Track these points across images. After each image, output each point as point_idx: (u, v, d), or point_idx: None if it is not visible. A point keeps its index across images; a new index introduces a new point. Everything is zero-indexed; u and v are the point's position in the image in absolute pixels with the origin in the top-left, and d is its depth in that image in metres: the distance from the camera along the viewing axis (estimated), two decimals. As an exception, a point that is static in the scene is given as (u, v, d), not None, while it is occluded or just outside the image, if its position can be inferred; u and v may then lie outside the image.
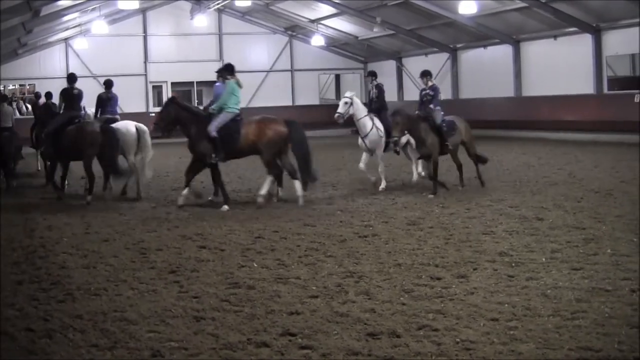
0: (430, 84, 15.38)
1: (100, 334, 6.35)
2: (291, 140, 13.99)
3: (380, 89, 16.96)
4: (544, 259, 8.47)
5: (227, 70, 14.69)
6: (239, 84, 14.27)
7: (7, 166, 17.99)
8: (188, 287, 7.81)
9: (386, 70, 41.53)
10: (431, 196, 13.86)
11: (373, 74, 17.37)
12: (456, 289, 7.35)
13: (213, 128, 13.63)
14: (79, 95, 15.93)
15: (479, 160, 15.27)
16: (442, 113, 14.80)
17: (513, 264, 8.31)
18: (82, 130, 14.98)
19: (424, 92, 15.38)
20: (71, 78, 16.31)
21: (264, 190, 13.92)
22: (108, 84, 17.47)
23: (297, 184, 13.89)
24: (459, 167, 15.16)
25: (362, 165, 15.61)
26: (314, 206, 13.42)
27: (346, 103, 15.88)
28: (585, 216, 11.19)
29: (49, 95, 19.25)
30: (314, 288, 7.61)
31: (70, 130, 15.07)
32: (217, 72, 15.41)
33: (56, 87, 23.10)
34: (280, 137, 13.80)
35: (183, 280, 8.16)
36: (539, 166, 18.61)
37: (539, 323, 6.21)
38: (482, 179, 15.04)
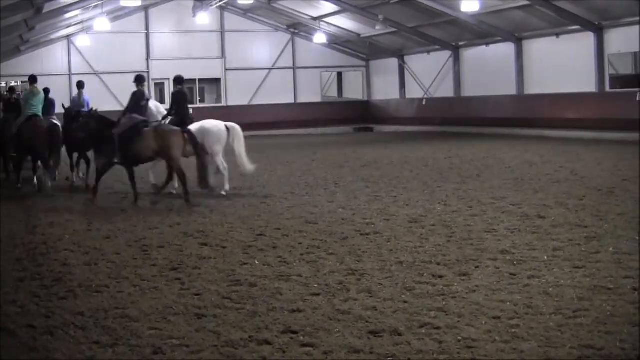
0: None
1: (101, 331, 6.35)
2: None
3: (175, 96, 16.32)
4: (545, 257, 8.46)
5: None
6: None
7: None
8: (190, 285, 7.81)
9: (388, 68, 41.59)
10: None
11: (177, 80, 16.55)
12: (458, 287, 7.34)
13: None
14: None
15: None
16: None
17: (515, 262, 8.29)
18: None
19: None
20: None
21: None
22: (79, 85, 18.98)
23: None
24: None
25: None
26: (316, 204, 13.41)
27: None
28: (587, 214, 11.17)
29: (46, 90, 19.01)
30: (315, 286, 7.60)
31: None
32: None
33: (58, 84, 23.28)
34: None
35: (185, 277, 8.16)
36: (541, 164, 18.59)
37: (540, 321, 6.20)
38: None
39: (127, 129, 14.47)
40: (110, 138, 14.47)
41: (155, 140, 14.23)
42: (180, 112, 15.84)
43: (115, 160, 14.73)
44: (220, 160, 15.71)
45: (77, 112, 17.61)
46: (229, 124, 15.99)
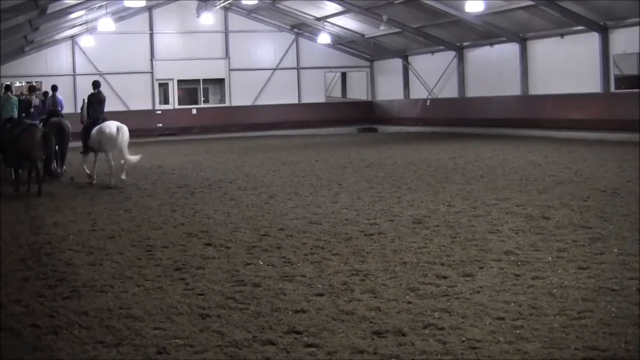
0: None
1: (105, 330, 6.36)
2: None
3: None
4: (550, 258, 8.45)
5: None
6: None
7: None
8: (194, 285, 7.82)
9: (392, 68, 41.59)
10: None
11: (94, 85, 18.96)
12: (462, 288, 7.34)
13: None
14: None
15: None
16: None
17: (519, 263, 8.29)
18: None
19: None
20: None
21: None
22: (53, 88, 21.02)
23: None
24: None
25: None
26: (320, 204, 13.41)
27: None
28: (591, 215, 11.16)
29: (54, 88, 20.94)
30: (319, 286, 7.61)
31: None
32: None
33: (62, 84, 23.81)
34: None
35: (189, 277, 8.17)
36: (545, 165, 18.58)
37: (545, 322, 6.19)
38: None
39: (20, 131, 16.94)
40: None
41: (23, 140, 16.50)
42: (94, 113, 18.50)
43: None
44: (109, 158, 17.72)
45: (51, 111, 20.40)
46: (120, 125, 17.67)
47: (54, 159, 18.62)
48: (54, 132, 17.97)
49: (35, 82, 37.10)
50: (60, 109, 20.62)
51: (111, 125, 17.63)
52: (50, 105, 20.67)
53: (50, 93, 20.81)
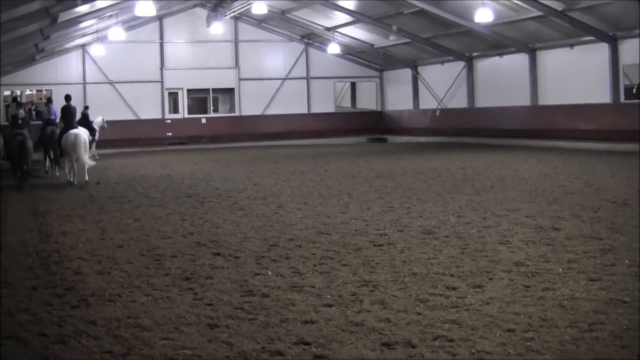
0: None
1: (114, 340, 6.33)
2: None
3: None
4: (560, 270, 8.39)
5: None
6: None
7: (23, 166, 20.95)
8: (202, 295, 7.79)
9: (402, 78, 41.59)
10: None
11: (66, 98, 22.00)
12: (472, 299, 7.29)
13: None
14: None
15: None
16: None
17: (529, 274, 8.23)
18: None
19: None
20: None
21: None
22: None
23: None
24: None
25: None
26: (329, 214, 13.38)
27: None
28: (602, 226, 11.09)
29: (67, 97, 22.43)
30: (328, 297, 7.57)
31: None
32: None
33: (73, 93, 25.31)
34: None
35: (197, 287, 8.14)
36: (555, 175, 18.51)
37: (555, 334, 6.14)
38: None
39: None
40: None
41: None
42: (65, 123, 21.28)
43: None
44: (66, 160, 20.89)
45: (46, 120, 24.47)
46: (77, 132, 20.27)
47: (29, 160, 20.34)
48: (18, 144, 19.82)
49: (46, 90, 37.37)
50: (54, 118, 24.25)
51: (71, 133, 20.27)
52: (46, 115, 24.76)
53: (52, 102, 24.84)
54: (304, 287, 7.98)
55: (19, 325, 6.89)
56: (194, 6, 39.75)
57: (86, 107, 31.17)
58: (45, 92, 37.59)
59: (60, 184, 20.75)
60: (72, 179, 20.60)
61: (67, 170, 21.39)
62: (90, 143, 31.69)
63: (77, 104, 34.26)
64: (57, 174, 22.74)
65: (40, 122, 26.73)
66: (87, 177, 20.18)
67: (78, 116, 24.28)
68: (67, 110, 21.44)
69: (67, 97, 21.89)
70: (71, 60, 38.57)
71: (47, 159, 24.58)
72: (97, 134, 31.95)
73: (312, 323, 6.66)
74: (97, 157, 31.26)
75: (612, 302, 7.02)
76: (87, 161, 20.36)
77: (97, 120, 32.44)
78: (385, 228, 11.70)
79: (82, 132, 20.59)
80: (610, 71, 27.77)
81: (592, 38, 28.18)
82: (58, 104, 23.99)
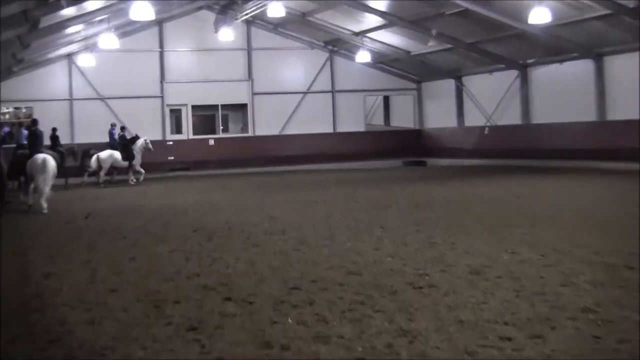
0: None
1: (106, 402, 6.33)
2: None
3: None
4: (637, 317, 8.31)
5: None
6: None
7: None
8: (211, 347, 7.79)
9: (444, 91, 41.65)
10: None
11: (32, 122, 25.24)
12: (530, 352, 7.24)
13: None
14: None
15: None
16: None
17: (599, 323, 8.16)
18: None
19: None
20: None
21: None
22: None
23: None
24: None
25: None
26: (359, 252, 13.36)
27: None
28: (685, 264, 11.01)
29: (34, 121, 24.88)
30: (359, 349, 7.54)
31: None
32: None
33: (57, 111, 26.18)
34: None
35: (205, 338, 8.14)
36: (627, 203, 18.39)
37: (632, 394, 6.08)
38: None
39: None
40: None
41: None
42: (31, 148, 23.15)
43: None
44: (37, 184, 22.21)
45: (18, 144, 28.64)
46: (46, 157, 22.21)
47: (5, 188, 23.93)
48: None
49: (26, 108, 37.71)
50: (24, 142, 27.08)
51: (38, 157, 22.18)
52: (18, 140, 30.20)
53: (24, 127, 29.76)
54: (330, 338, 7.96)
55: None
56: (200, 8, 40.11)
57: (54, 129, 32.14)
58: (25, 110, 37.86)
59: (42, 215, 20.96)
60: (30, 202, 22.78)
61: (29, 193, 23.27)
62: (128, 169, 33.31)
63: (62, 123, 35.03)
64: (31, 201, 23.58)
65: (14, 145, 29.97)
66: (45, 208, 21.75)
67: (47, 140, 27.13)
68: (35, 136, 23.56)
69: (35, 122, 24.43)
70: (55, 73, 38.92)
71: (19, 186, 26.93)
72: (137, 158, 33.58)
73: (340, 381, 6.64)
74: (133, 182, 32.65)
75: (700, 355, 6.95)
76: (46, 191, 22.09)
77: (138, 142, 33.17)
78: (425, 267, 11.66)
79: (49, 158, 22.40)
80: (691, 79, 27.72)
81: (669, 41, 28.15)
82: (44, 126, 25.67)
